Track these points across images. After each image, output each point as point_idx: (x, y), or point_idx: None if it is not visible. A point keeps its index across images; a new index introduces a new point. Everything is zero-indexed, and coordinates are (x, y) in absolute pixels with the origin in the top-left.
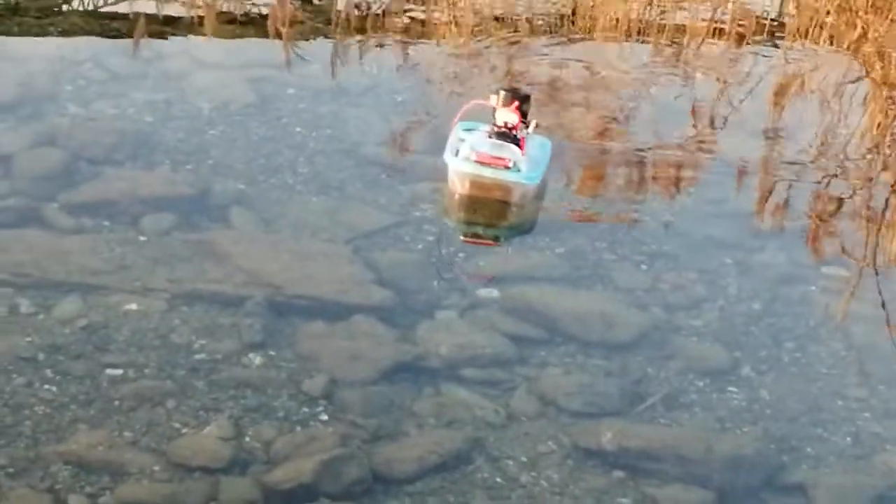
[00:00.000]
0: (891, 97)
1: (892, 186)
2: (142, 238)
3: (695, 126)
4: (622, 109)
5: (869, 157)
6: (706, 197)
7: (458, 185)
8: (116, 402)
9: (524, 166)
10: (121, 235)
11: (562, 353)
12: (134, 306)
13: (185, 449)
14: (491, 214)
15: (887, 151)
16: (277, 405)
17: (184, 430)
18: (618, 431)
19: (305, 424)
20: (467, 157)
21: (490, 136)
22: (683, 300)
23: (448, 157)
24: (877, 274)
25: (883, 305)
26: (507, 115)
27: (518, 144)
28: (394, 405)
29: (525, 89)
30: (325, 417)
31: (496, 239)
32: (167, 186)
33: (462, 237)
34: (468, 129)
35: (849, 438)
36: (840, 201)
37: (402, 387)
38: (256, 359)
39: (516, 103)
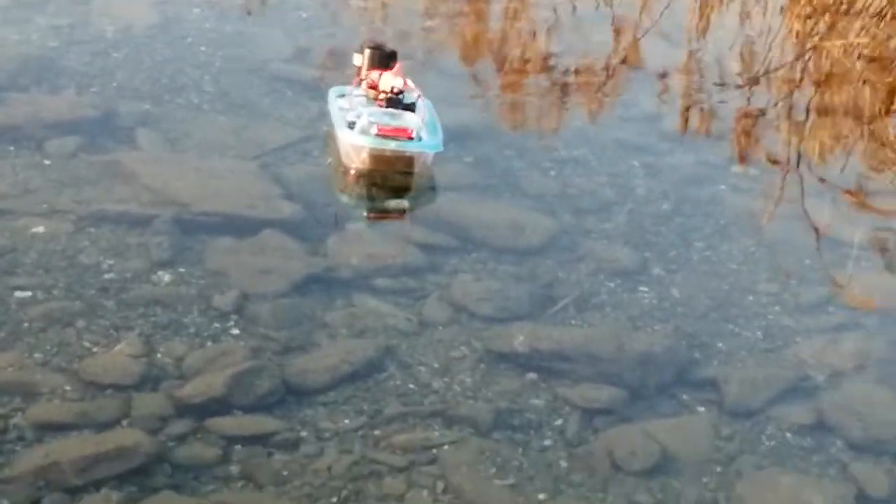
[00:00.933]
0: (810, 5)
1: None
2: (47, 161)
3: (616, 36)
4: (544, 20)
5: (784, 65)
6: (619, 103)
7: (354, 160)
8: (26, 324)
9: (425, 134)
10: (26, 160)
11: (472, 261)
12: (41, 229)
13: (96, 367)
14: (394, 187)
15: (804, 58)
16: (188, 321)
17: (94, 349)
18: (529, 334)
19: (216, 339)
20: (366, 130)
21: (382, 105)
22: (593, 204)
23: (343, 131)
24: (786, 172)
25: (791, 202)
26: (394, 80)
27: (412, 111)
28: (305, 317)
29: (389, 44)
30: (236, 332)
31: (403, 212)
32: (72, 109)
33: (366, 214)
34: (342, 95)
35: (759, 332)
36: (751, 106)
37: (313, 299)
38: (165, 276)
39: (399, 65)
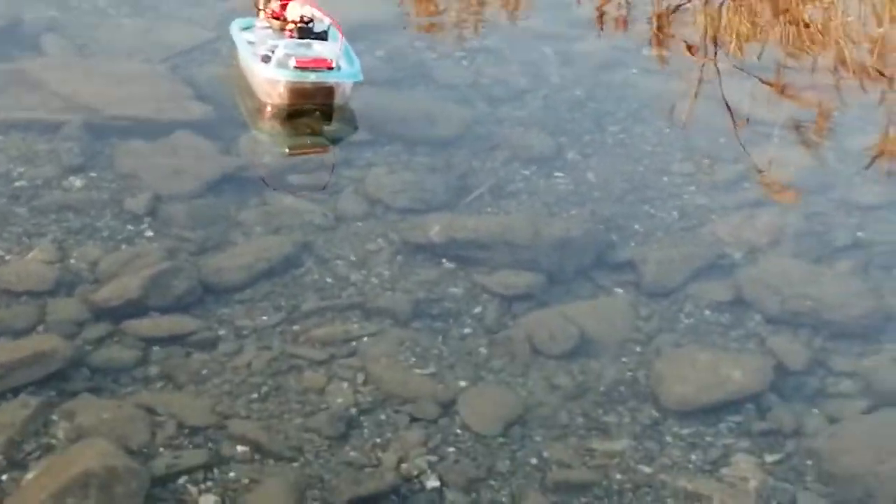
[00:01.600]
0: None
1: None
2: None
3: None
4: None
5: None
6: None
7: (272, 95)
8: None
9: (344, 63)
10: None
11: (386, 153)
12: None
13: (10, 275)
14: (316, 120)
15: None
16: (101, 225)
17: (7, 257)
18: (445, 224)
19: (131, 242)
20: (283, 63)
21: (293, 36)
22: (505, 93)
23: (257, 65)
24: (699, 55)
25: (704, 84)
26: (302, 9)
27: (324, 39)
28: (220, 216)
29: None
30: (150, 234)
31: (324, 146)
32: None
33: (287, 150)
34: (247, 28)
35: (675, 212)
36: None
37: (227, 198)
38: (77, 182)
39: None
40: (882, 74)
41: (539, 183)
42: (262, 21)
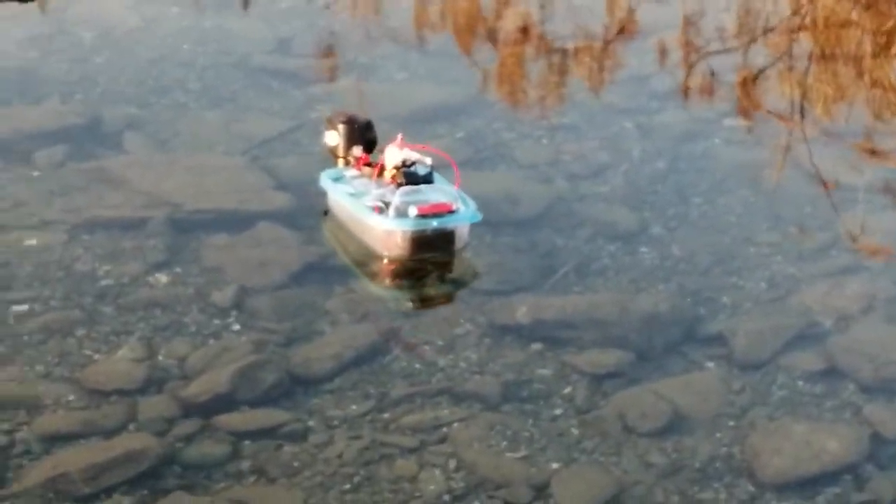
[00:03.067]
0: None
1: (791, 40)
2: (35, 173)
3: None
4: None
5: (782, 20)
6: (609, 67)
7: (390, 248)
8: (25, 338)
9: (461, 204)
10: (14, 173)
11: (471, 236)
12: (34, 241)
13: (99, 374)
14: (438, 270)
15: (801, 13)
16: (188, 320)
17: (95, 357)
18: (532, 305)
19: (218, 336)
20: (402, 211)
21: (401, 182)
22: (586, 169)
23: (372, 218)
24: (781, 121)
25: (787, 151)
26: (403, 153)
27: (431, 182)
28: (306, 306)
29: (360, 115)
30: (237, 327)
31: (449, 293)
32: (57, 119)
33: (411, 304)
34: (337, 179)
35: (763, 283)
36: (746, 61)
37: (312, 287)
38: (163, 278)
39: (400, 136)
40: None
41: (624, 259)
42: (351, 170)
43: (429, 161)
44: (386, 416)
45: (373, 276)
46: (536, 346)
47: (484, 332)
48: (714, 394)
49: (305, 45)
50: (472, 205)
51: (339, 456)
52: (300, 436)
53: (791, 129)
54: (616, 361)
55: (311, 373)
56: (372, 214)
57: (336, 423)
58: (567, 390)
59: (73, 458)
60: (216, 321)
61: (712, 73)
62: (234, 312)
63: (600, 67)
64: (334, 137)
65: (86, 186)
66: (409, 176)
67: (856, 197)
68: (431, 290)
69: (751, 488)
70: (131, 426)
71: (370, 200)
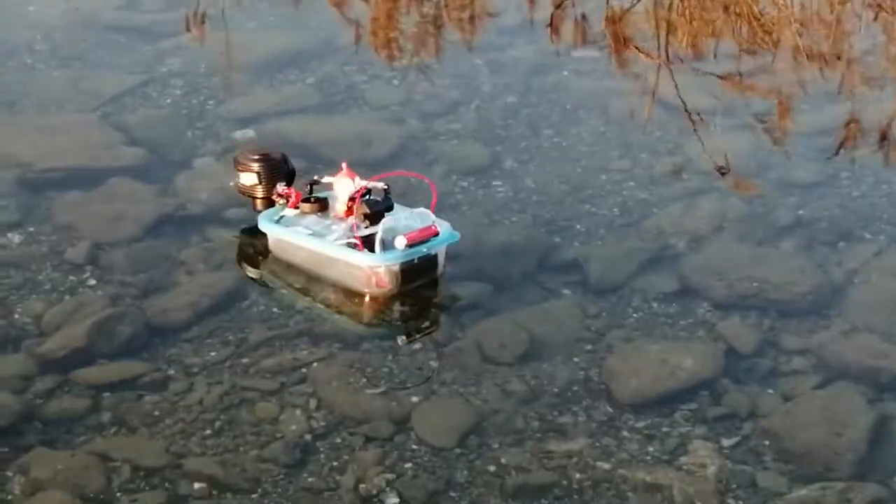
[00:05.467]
0: None
1: None
2: None
3: None
4: None
5: None
6: (458, 6)
7: (372, 285)
8: None
9: (439, 224)
10: None
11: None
12: None
13: None
14: (422, 298)
15: None
16: (42, 278)
17: None
18: None
19: (73, 292)
20: (389, 244)
21: (363, 214)
22: (438, 107)
23: (353, 256)
24: (628, 51)
25: (636, 79)
26: (355, 182)
27: (391, 209)
28: (161, 257)
29: (271, 150)
30: (92, 282)
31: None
32: None
33: (406, 339)
34: (278, 220)
35: (616, 209)
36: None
37: (167, 239)
38: (15, 237)
39: (346, 165)
40: (829, 58)
41: (478, 194)
42: (289, 210)
43: (382, 185)
44: (245, 360)
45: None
46: None
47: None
48: (571, 319)
49: (155, 0)
50: (445, 224)
51: (200, 402)
52: (160, 385)
53: (638, 57)
54: (473, 293)
55: (169, 323)
56: (352, 252)
57: (195, 370)
58: (425, 325)
59: None
60: (71, 277)
61: (559, 9)
62: (88, 268)
63: (452, 7)
64: (251, 178)
65: None
66: (372, 205)
67: (706, 121)
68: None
69: (609, 409)
70: None
71: (339, 238)
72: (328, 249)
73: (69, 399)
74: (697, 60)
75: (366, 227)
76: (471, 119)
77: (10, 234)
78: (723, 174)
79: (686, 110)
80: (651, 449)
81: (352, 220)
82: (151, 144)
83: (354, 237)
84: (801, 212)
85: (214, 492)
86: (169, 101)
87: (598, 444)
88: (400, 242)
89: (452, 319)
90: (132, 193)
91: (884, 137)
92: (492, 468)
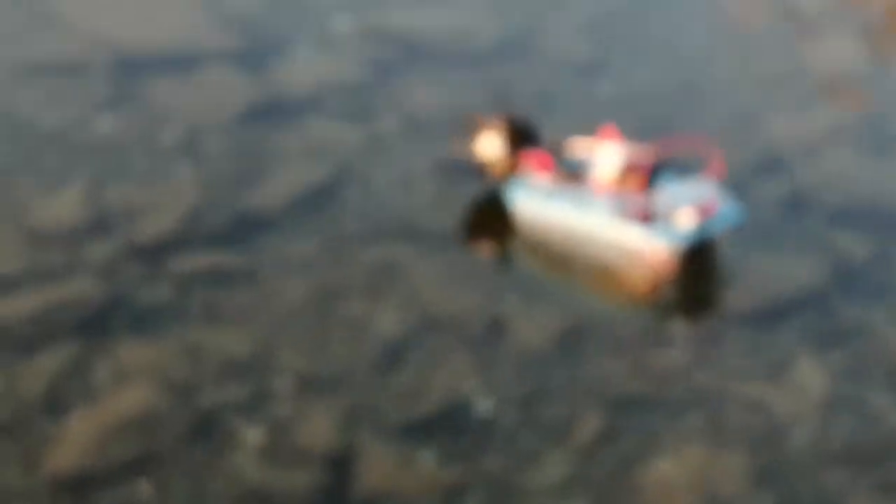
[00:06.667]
0: None
1: None
2: None
3: None
4: None
5: None
6: None
7: (665, 263)
8: None
9: (720, 195)
10: None
11: (423, 70)
12: None
13: (45, 219)
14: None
15: None
16: (135, 163)
17: (41, 200)
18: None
19: (166, 178)
20: (678, 222)
21: (641, 187)
22: (553, 1)
23: (643, 233)
24: None
25: None
26: (617, 148)
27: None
28: (257, 145)
29: (516, 112)
30: (185, 169)
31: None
32: None
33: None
34: (529, 193)
35: (727, 114)
36: None
37: (263, 127)
38: (108, 121)
39: (611, 126)
40: None
41: (585, 92)
42: (540, 179)
43: (651, 152)
44: (340, 254)
45: (326, 113)
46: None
47: (437, 165)
48: None
49: None
50: (726, 197)
51: (291, 297)
52: (251, 277)
53: None
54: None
55: (262, 213)
56: (637, 228)
57: (288, 263)
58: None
59: (18, 304)
60: (164, 163)
61: None
62: (181, 154)
63: None
64: (494, 143)
65: (24, 28)
66: (655, 179)
67: (822, 29)
68: (385, 126)
69: (714, 321)
70: (77, 270)
71: (615, 213)
72: (601, 225)
73: (159, 287)
74: None
75: (641, 201)
76: (580, 14)
77: (103, 116)
78: (837, 84)
79: (801, 14)
80: (755, 363)
81: (623, 193)
82: (249, 30)
83: (633, 212)
84: None
85: (303, 388)
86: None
87: (700, 356)
88: (689, 219)
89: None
90: (228, 80)
91: None
92: (591, 376)
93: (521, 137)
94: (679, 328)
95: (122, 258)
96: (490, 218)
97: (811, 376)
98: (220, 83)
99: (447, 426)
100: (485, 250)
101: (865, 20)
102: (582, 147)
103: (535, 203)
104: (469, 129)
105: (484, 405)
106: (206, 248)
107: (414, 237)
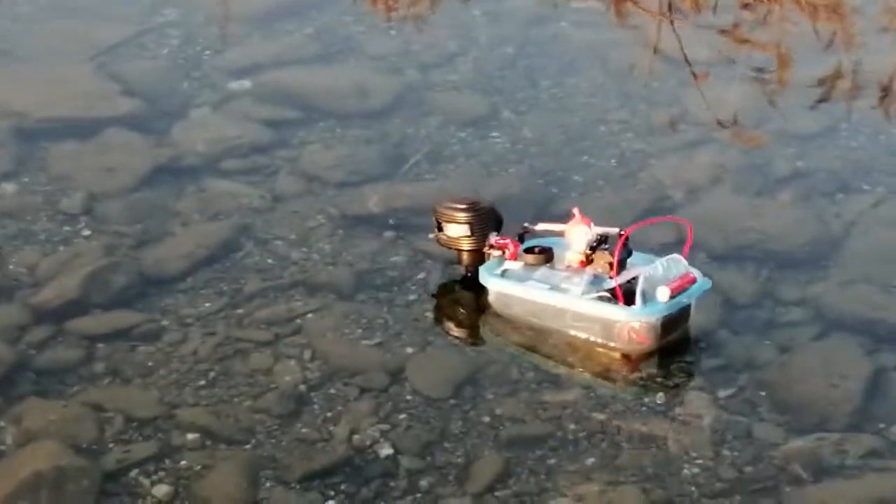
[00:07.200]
0: None
1: None
2: None
3: None
4: None
5: None
6: None
7: (642, 341)
8: None
9: (692, 268)
10: None
11: (320, 130)
12: None
13: None
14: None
15: None
16: (37, 228)
17: None
18: (383, 194)
19: (68, 242)
20: (652, 296)
21: (611, 263)
22: (436, 58)
23: (615, 312)
24: (623, 2)
25: (635, 30)
26: (590, 229)
27: (630, 256)
28: (156, 209)
29: (476, 197)
30: (87, 232)
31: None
32: None
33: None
34: (503, 273)
35: (614, 161)
36: None
37: (162, 189)
38: (9, 187)
39: (577, 211)
40: (828, 10)
41: (475, 145)
42: (510, 262)
43: (617, 231)
44: (240, 311)
45: (224, 173)
46: (389, 234)
47: (336, 223)
48: None
49: None
50: (694, 270)
51: (194, 353)
52: (154, 336)
53: (645, 12)
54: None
55: (164, 273)
56: (611, 307)
57: (190, 321)
58: (420, 276)
59: None
60: (66, 228)
61: None
62: (83, 218)
63: None
64: (460, 229)
65: None
66: (624, 257)
67: (705, 73)
68: (282, 185)
69: (604, 360)
70: None
71: (584, 292)
72: (579, 305)
73: (63, 349)
74: (697, 13)
75: (610, 277)
76: (468, 70)
77: (4, 184)
78: (721, 126)
79: (685, 62)
80: (646, 400)
81: (590, 270)
82: (148, 95)
83: (605, 290)
84: (799, 163)
85: (208, 442)
86: (166, 51)
87: (592, 394)
88: (663, 294)
89: (448, 271)
90: (128, 144)
91: (883, 89)
92: (486, 419)
93: (487, 223)
94: (573, 369)
95: (27, 322)
96: (460, 303)
97: (701, 409)
98: (121, 147)
99: (350, 474)
100: (456, 329)
101: (753, 66)
102: (549, 230)
103: (512, 287)
104: (436, 216)
105: (385, 452)
106: (109, 309)
107: (313, 292)
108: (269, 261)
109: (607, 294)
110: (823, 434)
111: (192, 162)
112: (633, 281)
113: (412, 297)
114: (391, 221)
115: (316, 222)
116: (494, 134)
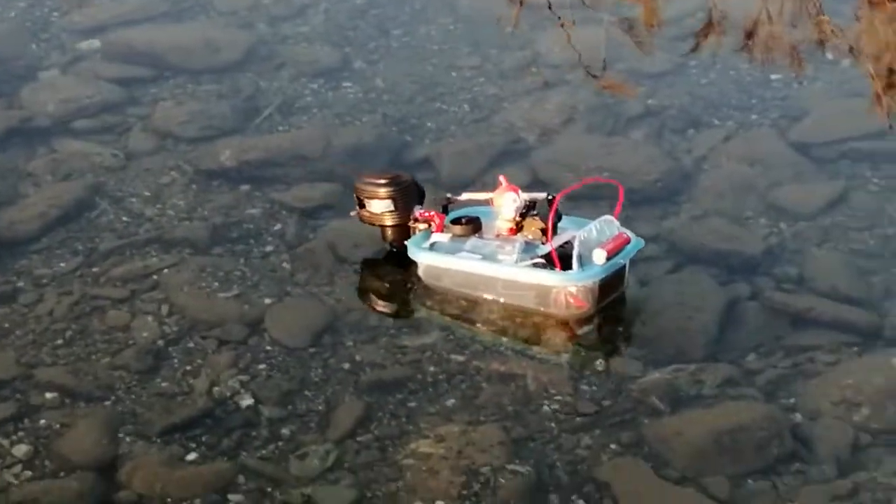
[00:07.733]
0: None
1: None
2: None
3: None
4: None
5: None
6: None
7: (570, 306)
8: None
9: (624, 228)
10: None
11: (171, 87)
12: None
13: None
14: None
15: None
16: None
17: None
18: (236, 148)
19: None
20: (588, 259)
21: (539, 232)
22: (287, 11)
23: (550, 277)
24: None
25: None
26: (517, 196)
27: (560, 219)
28: (8, 171)
29: (397, 171)
30: None
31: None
32: None
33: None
34: (432, 245)
35: (466, 106)
36: None
37: (13, 152)
38: None
39: (503, 178)
40: None
41: (327, 95)
42: (438, 234)
43: (544, 196)
44: (95, 269)
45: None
46: (244, 187)
47: (190, 179)
48: None
49: None
50: (625, 229)
51: (50, 313)
52: (9, 297)
53: None
54: (323, 194)
55: (17, 235)
56: (544, 273)
57: (45, 281)
58: (277, 227)
59: None
60: None
61: None
62: None
63: None
64: (383, 204)
65: None
66: (556, 220)
67: (557, 16)
68: (135, 142)
69: (463, 302)
70: None
71: (519, 260)
72: (508, 273)
73: None
74: None
75: (543, 243)
76: (319, 22)
77: None
78: (573, 68)
79: (536, 5)
80: (504, 340)
81: (521, 237)
82: None
83: (540, 256)
84: (650, 101)
85: (67, 400)
86: (13, 14)
87: (451, 337)
88: (599, 256)
89: (304, 220)
90: None
91: (734, 27)
92: (346, 366)
93: (410, 197)
94: (432, 313)
95: None
96: (389, 276)
97: (559, 347)
98: None
99: (211, 425)
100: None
101: (609, 11)
102: (473, 199)
103: (438, 260)
104: (358, 192)
105: (246, 402)
106: None
107: (168, 247)
108: (124, 218)
109: (542, 260)
110: (680, 365)
111: (43, 123)
112: (567, 245)
113: (269, 248)
114: (245, 175)
115: (170, 178)
116: (347, 84)
